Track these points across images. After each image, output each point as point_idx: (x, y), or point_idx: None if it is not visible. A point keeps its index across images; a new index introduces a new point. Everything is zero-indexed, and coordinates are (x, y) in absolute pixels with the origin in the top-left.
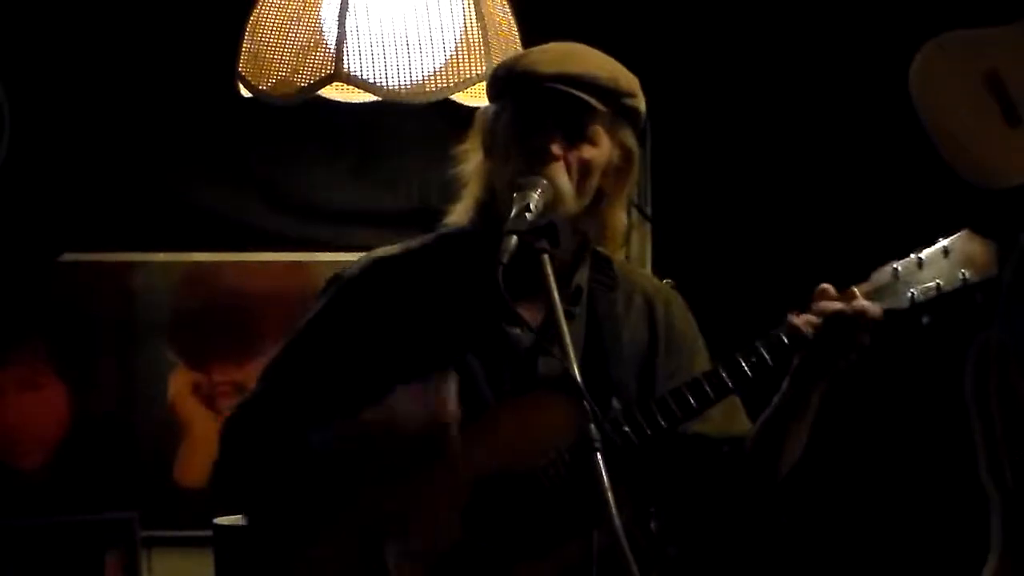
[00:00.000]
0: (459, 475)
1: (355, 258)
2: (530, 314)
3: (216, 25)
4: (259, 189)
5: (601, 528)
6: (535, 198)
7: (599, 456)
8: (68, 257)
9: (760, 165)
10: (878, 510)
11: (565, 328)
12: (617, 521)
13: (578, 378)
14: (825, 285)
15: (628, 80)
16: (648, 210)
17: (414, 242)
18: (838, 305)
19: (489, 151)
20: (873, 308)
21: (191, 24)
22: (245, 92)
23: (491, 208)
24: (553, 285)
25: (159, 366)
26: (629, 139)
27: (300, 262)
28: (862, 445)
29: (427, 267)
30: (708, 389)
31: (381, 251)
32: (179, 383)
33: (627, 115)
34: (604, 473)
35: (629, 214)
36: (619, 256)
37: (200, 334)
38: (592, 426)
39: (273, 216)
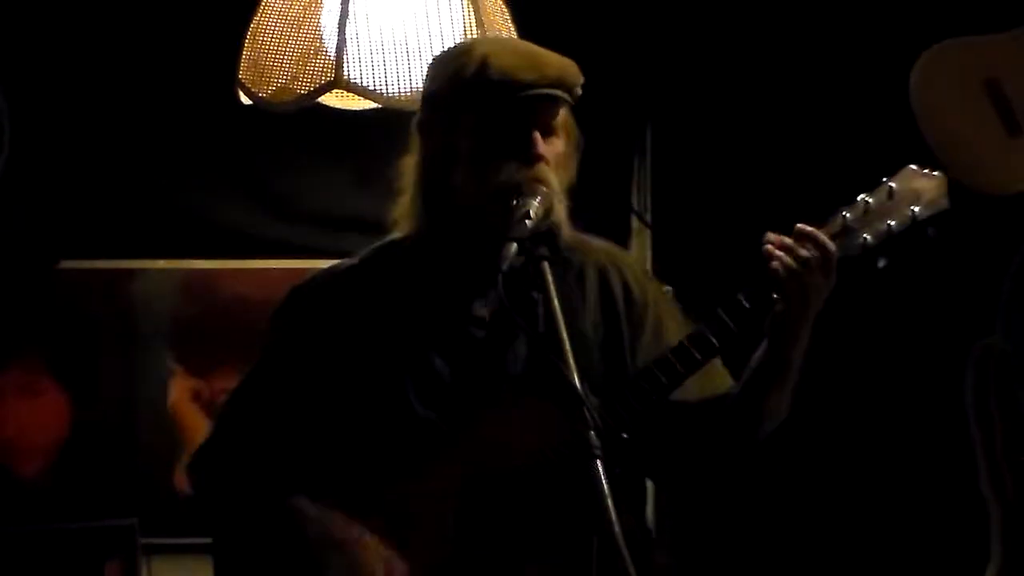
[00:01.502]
0: (447, 484)
1: None
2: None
3: (216, 32)
4: (259, 196)
5: (600, 536)
6: (535, 205)
7: (599, 464)
8: (67, 264)
9: (761, 172)
10: (875, 525)
11: (565, 335)
12: (617, 528)
13: (578, 386)
14: (771, 235)
15: (579, 71)
16: (648, 217)
17: (365, 253)
18: (796, 250)
19: (448, 158)
20: (829, 242)
21: (191, 31)
22: (245, 99)
23: (440, 214)
24: (553, 292)
25: (159, 373)
26: (572, 124)
27: (300, 269)
28: (859, 459)
29: (380, 277)
30: (678, 365)
31: (332, 266)
32: (179, 390)
33: (574, 102)
34: (604, 481)
35: (629, 214)
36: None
37: (200, 341)
38: (592, 434)
39: (273, 223)
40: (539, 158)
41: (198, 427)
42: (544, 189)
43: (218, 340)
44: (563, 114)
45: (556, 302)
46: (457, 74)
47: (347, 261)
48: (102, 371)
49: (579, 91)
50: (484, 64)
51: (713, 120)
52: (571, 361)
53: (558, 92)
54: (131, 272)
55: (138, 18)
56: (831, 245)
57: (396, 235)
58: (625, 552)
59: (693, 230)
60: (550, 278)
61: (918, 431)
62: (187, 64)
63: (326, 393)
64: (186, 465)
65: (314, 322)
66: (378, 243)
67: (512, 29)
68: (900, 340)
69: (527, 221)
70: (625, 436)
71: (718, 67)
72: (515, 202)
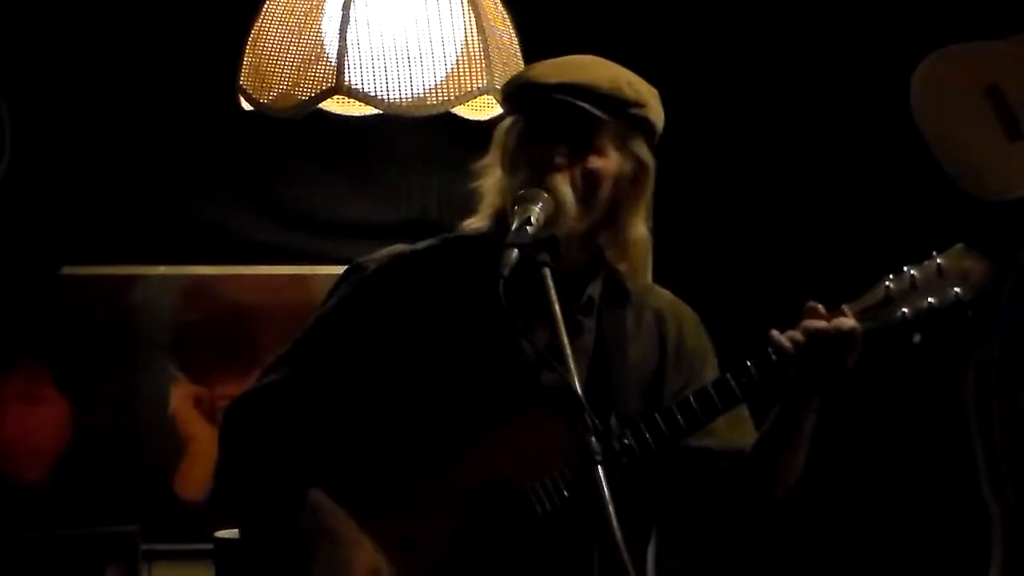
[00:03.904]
0: (449, 497)
1: None
2: (542, 326)
3: (217, 38)
4: (260, 202)
5: (601, 543)
6: (535, 211)
7: (600, 470)
8: (68, 270)
9: (763, 182)
10: (876, 528)
11: (566, 341)
12: (618, 535)
13: (579, 391)
14: (813, 303)
15: (636, 90)
16: (648, 225)
17: (434, 241)
18: (821, 324)
19: (503, 164)
20: (857, 328)
21: (192, 37)
22: (246, 105)
23: (504, 218)
24: (554, 298)
25: (160, 379)
26: (641, 150)
27: (301, 275)
28: (860, 463)
29: (445, 268)
30: (698, 409)
31: (401, 248)
32: (180, 396)
33: (638, 125)
34: (605, 487)
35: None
36: (646, 278)
37: (201, 347)
38: (593, 440)
39: (274, 229)
40: (554, 168)
41: (199, 434)
42: (546, 196)
43: (219, 346)
44: (608, 134)
45: (557, 308)
46: (511, 80)
47: (412, 246)
48: (103, 377)
49: (635, 112)
50: (528, 69)
51: (713, 131)
52: (571, 366)
53: (579, 102)
54: (132, 278)
55: (140, 24)
56: (855, 330)
57: (469, 228)
58: (626, 556)
59: (693, 243)
60: (551, 283)
61: (919, 436)
62: (188, 70)
63: (363, 376)
64: (226, 411)
65: (367, 300)
66: (449, 234)
67: (513, 36)
68: (888, 349)
69: (528, 227)
70: (625, 443)
71: (718, 79)
72: (515, 207)
